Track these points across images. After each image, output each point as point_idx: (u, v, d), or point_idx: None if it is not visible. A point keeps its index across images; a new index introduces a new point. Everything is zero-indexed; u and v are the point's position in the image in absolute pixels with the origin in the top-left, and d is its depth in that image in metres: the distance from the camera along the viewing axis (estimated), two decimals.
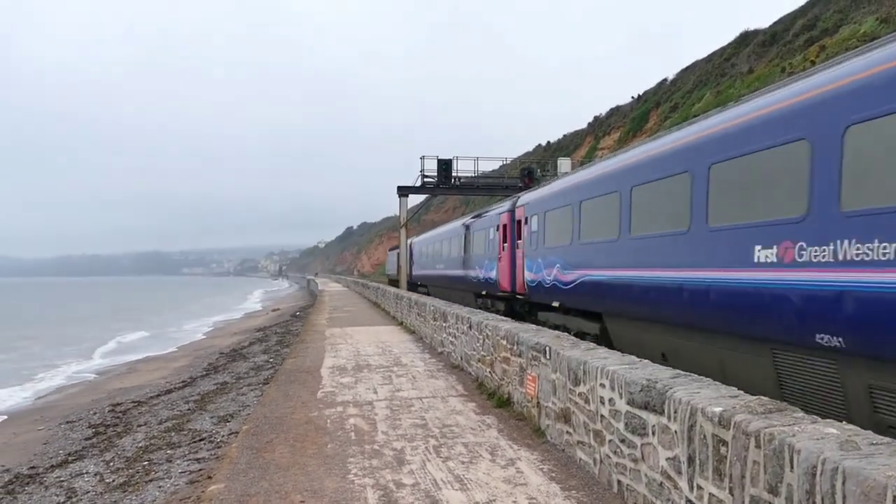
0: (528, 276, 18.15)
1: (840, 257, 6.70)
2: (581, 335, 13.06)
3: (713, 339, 9.27)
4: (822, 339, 6.96)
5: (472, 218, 27.18)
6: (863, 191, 6.47)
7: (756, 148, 8.22)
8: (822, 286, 6.98)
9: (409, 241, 43.79)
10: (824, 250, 6.95)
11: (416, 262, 38.75)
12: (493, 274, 22.13)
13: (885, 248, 6.14)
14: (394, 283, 48.68)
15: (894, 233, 6.06)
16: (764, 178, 8.04)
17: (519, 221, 19.67)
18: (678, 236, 10.05)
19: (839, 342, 6.74)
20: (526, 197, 19.78)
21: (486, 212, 24.80)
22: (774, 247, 7.76)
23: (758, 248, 8.07)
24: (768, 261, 7.86)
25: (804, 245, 7.27)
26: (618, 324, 12.88)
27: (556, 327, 15.30)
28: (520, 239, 19.48)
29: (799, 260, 7.34)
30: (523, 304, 19.44)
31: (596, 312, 13.77)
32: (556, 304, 16.11)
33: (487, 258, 23.00)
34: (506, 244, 20.80)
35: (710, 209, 9.16)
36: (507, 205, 21.56)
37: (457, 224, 30.68)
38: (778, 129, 7.91)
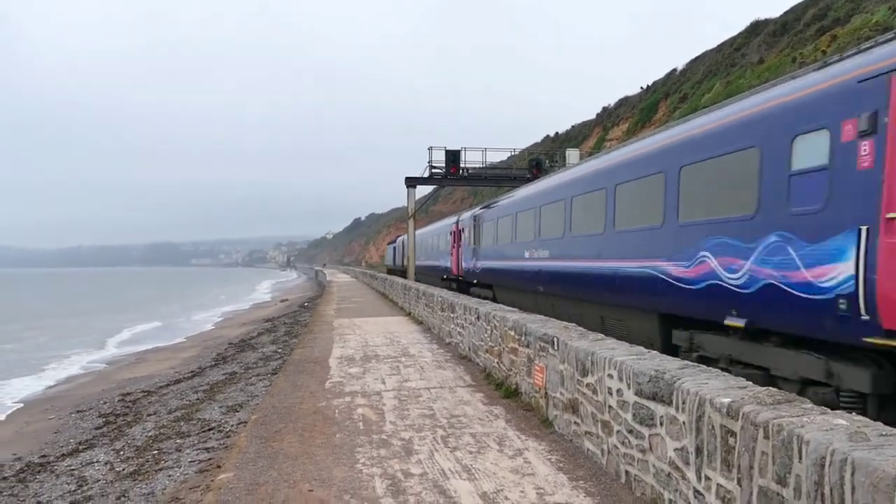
0: (463, 264, 29.33)
1: (535, 256, 17.92)
2: (485, 297, 22.79)
3: (524, 293, 19.81)
4: (539, 288, 17.76)
5: (441, 225, 37.99)
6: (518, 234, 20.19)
7: (522, 209, 20.11)
8: (534, 267, 17.93)
9: (400, 238, 56.00)
10: (532, 254, 18.21)
11: (406, 254, 45.87)
12: (448, 263, 33.13)
13: (538, 253, 17.76)
14: (391, 272, 55.91)
15: (541, 249, 17.70)
16: (524, 224, 19.57)
17: (460, 231, 30.38)
18: (511, 244, 21.02)
19: (542, 288, 17.55)
20: (462, 216, 31.25)
21: (447, 221, 36.24)
22: (527, 251, 18.89)
23: (525, 251, 19.21)
24: (528, 257, 18.88)
25: (533, 251, 18.31)
26: (498, 290, 23.90)
27: (476, 294, 25.88)
28: (460, 241, 30.24)
29: (532, 257, 18.36)
30: (462, 283, 30.06)
31: (490, 284, 24.97)
32: (475, 281, 27.27)
33: (447, 253, 33.65)
34: (455, 244, 31.42)
35: (517, 235, 20.33)
36: (454, 219, 33.35)
37: (431, 228, 42.28)
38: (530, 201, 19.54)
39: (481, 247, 25.56)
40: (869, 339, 6.95)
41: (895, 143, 6.78)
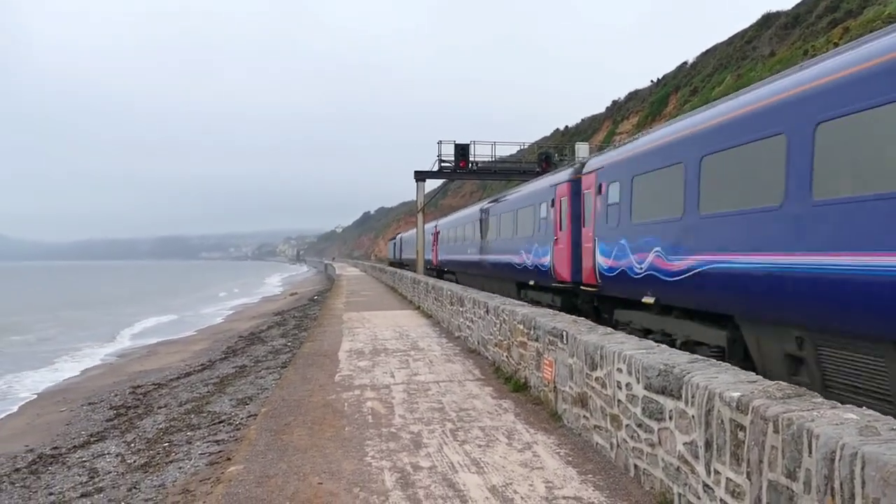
0: (440, 257, 40.09)
1: (471, 252, 29.71)
2: (452, 280, 32.76)
3: (469, 276, 30.24)
4: (474, 272, 28.98)
5: (427, 227, 46.56)
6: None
7: (466, 222, 32.09)
8: (471, 259, 29.43)
9: (399, 235, 74.61)
10: (470, 251, 29.89)
11: (403, 249, 62.13)
12: (430, 256, 42.51)
13: (472, 250, 29.42)
14: (392, 264, 66.68)
15: (473, 248, 29.40)
16: (467, 232, 31.07)
17: (438, 233, 41.05)
18: (462, 245, 31.60)
19: (475, 272, 29.06)
20: (439, 222, 42.28)
21: (430, 224, 46.15)
22: (469, 250, 29.98)
23: (468, 249, 30.21)
24: (468, 253, 30.04)
25: (470, 249, 29.73)
26: (458, 275, 33.25)
27: (446, 277, 34.78)
28: (437, 240, 40.86)
29: (469, 253, 29.65)
30: (439, 271, 40.09)
31: (453, 271, 34.83)
32: (445, 269, 37.94)
33: (430, 249, 42.69)
34: (434, 243, 41.76)
35: (465, 238, 31.06)
36: (434, 223, 43.84)
37: (418, 229, 55.20)
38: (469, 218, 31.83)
39: (448, 245, 37.18)
40: (553, 284, 17.50)
41: (556, 212, 17.47)
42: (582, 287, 15.66)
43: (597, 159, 15.76)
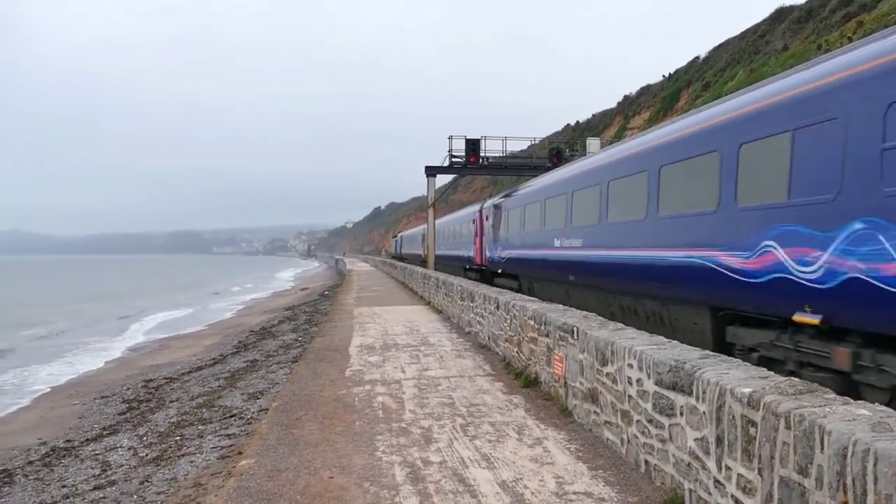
0: (438, 252, 42.64)
1: (445, 248, 41.74)
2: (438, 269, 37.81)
3: (445, 266, 38.67)
4: (452, 263, 39.09)
5: (421, 228, 54.49)
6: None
7: (446, 227, 44.01)
8: (448, 254, 40.62)
9: (400, 234, 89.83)
10: (448, 248, 41.40)
11: (403, 246, 73.50)
12: (419, 251, 49.43)
13: (446, 246, 41.76)
14: (394, 258, 74.93)
15: (451, 246, 40.78)
16: (446, 233, 42.64)
17: (424, 235, 45.37)
18: (443, 243, 41.93)
19: (455, 263, 38.81)
20: (439, 221, 47.27)
21: (421, 227, 55.23)
22: (442, 246, 41.71)
23: (441, 246, 41.39)
24: (444, 248, 41.38)
25: (450, 246, 40.49)
26: (436, 265, 37.62)
27: (433, 268, 37.80)
28: (423, 240, 46.16)
29: (447, 248, 41.00)
30: (425, 263, 43.20)
31: (435, 262, 39.69)
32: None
33: (420, 245, 48.63)
34: (423, 242, 45.33)
35: (445, 239, 42.50)
36: (422, 227, 49.88)
37: (416, 230, 62.04)
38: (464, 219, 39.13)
39: (441, 241, 45.62)
40: (474, 266, 31.97)
41: (475, 227, 31.81)
42: (483, 267, 29.17)
43: (489, 201, 29.95)
